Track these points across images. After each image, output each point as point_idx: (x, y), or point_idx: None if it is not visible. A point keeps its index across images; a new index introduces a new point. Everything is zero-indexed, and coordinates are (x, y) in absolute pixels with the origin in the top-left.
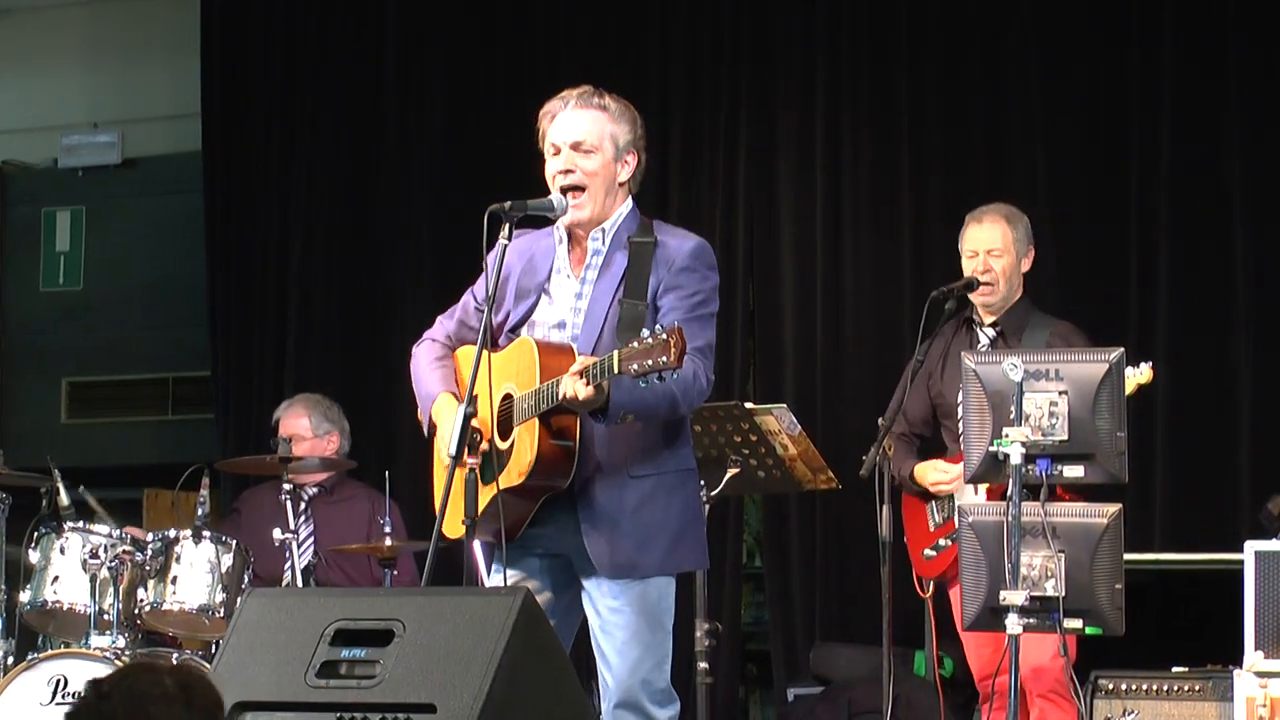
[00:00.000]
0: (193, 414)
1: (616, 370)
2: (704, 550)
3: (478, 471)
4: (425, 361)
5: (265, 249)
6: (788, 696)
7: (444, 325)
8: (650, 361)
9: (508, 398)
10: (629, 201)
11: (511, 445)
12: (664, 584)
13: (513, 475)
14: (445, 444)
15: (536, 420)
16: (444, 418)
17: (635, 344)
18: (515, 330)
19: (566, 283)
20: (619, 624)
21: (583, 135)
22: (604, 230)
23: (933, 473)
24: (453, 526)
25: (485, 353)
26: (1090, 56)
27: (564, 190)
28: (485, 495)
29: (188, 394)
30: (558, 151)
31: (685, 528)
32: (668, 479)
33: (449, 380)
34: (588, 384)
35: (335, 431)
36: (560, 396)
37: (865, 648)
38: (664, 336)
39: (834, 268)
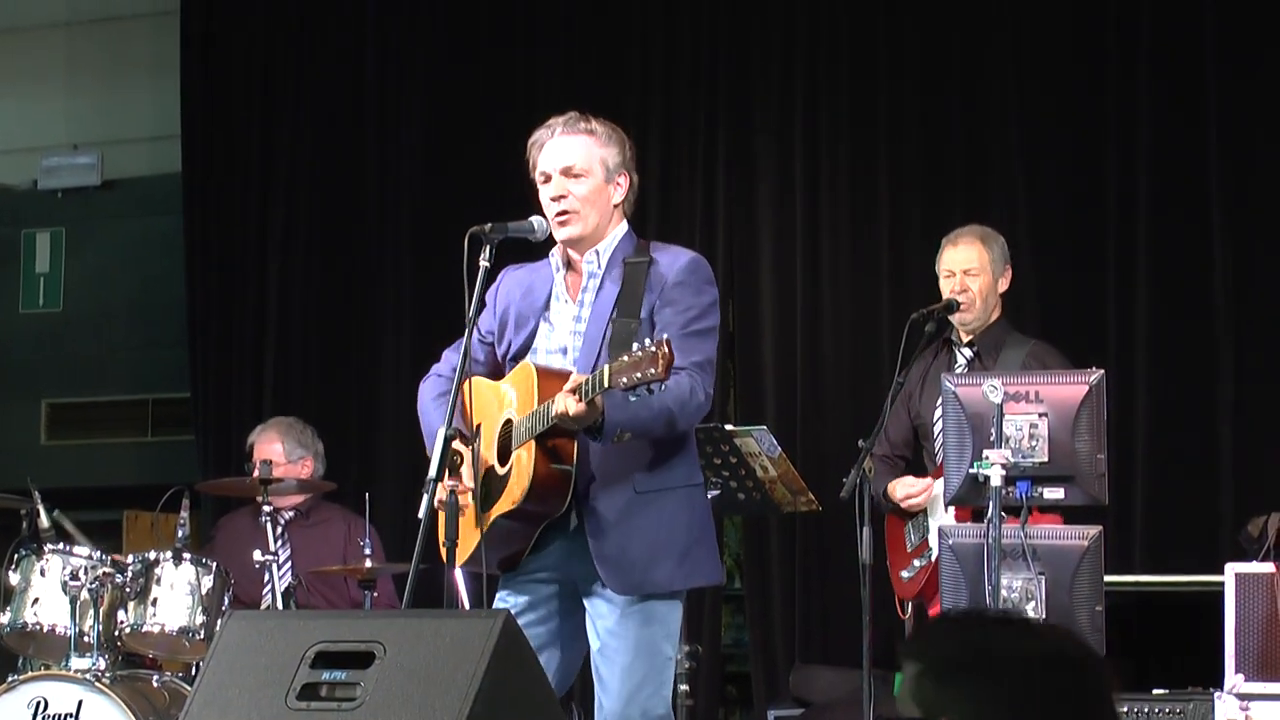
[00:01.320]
0: (172, 435)
1: (606, 384)
2: (716, 564)
3: (458, 495)
4: (428, 399)
5: (245, 270)
6: (768, 718)
7: (449, 359)
8: (639, 374)
9: (508, 423)
10: (624, 224)
11: (510, 470)
12: (668, 607)
13: (509, 500)
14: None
15: (534, 443)
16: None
17: (624, 357)
18: (517, 359)
19: (565, 308)
20: (620, 648)
21: (572, 160)
22: (598, 253)
23: (900, 488)
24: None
25: (468, 380)
26: (1069, 77)
27: (559, 216)
28: (486, 522)
29: (167, 415)
30: (548, 179)
31: (693, 543)
32: (673, 494)
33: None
34: (579, 400)
35: (309, 456)
36: (554, 415)
37: (845, 669)
38: (651, 349)
39: (813, 289)
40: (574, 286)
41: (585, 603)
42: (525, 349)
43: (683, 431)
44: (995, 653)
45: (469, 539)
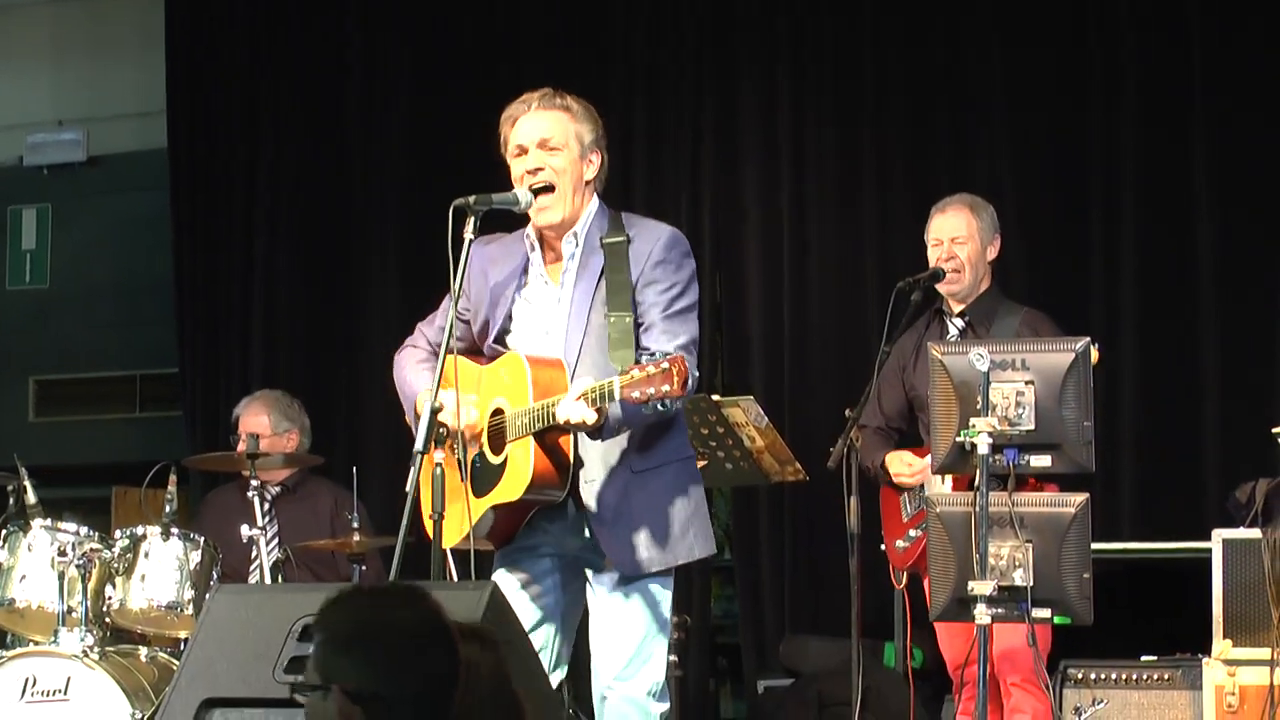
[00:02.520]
0: (161, 411)
1: (617, 397)
2: (710, 537)
3: (444, 468)
4: (408, 366)
5: (231, 246)
6: (758, 688)
7: (424, 332)
8: (652, 389)
9: (499, 412)
10: (595, 199)
11: (505, 461)
12: (664, 580)
13: (509, 491)
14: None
15: (531, 439)
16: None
17: (635, 371)
18: (500, 340)
19: (545, 289)
20: (620, 621)
21: (549, 134)
22: (576, 234)
23: (897, 463)
24: (448, 536)
25: (453, 354)
26: (1053, 44)
27: (534, 191)
28: (479, 508)
29: (155, 392)
30: (523, 152)
31: (690, 518)
32: (669, 469)
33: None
34: (589, 406)
35: (294, 429)
36: (557, 420)
37: (835, 639)
38: (665, 365)
39: (799, 260)
40: (553, 267)
41: (588, 574)
42: (506, 330)
43: (678, 407)
44: (377, 624)
45: (458, 521)
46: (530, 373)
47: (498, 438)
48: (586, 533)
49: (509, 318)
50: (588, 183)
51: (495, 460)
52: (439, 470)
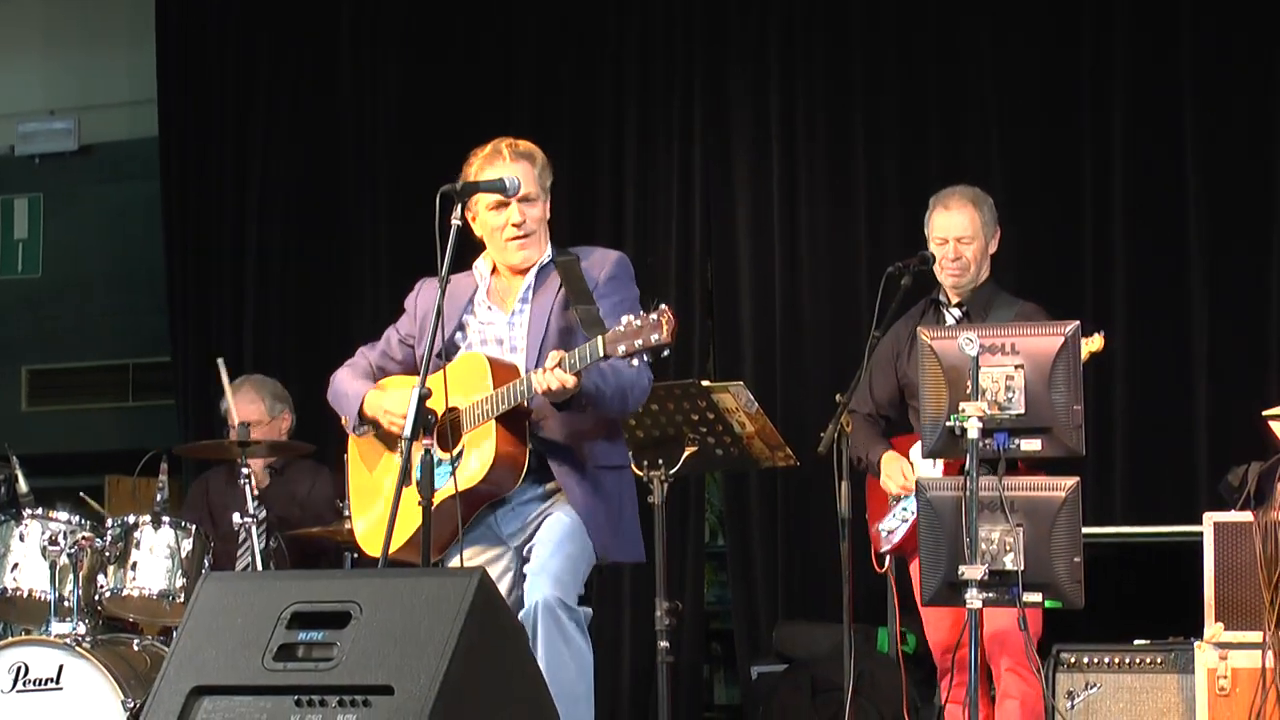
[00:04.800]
0: (153, 400)
1: (602, 354)
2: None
3: (433, 453)
4: (346, 378)
5: (223, 234)
6: (751, 675)
7: (366, 356)
8: (639, 341)
9: (452, 409)
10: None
11: (460, 453)
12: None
13: (468, 479)
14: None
15: (494, 424)
16: (379, 403)
17: (620, 328)
18: (443, 352)
19: (492, 314)
20: (553, 531)
21: (527, 188)
22: (538, 267)
23: (894, 469)
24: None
25: (440, 324)
26: (1044, 34)
27: (518, 240)
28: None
29: (148, 380)
30: (503, 205)
31: (626, 520)
32: (613, 472)
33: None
34: (566, 371)
35: (287, 410)
36: (538, 389)
37: (828, 625)
38: (654, 317)
39: (790, 246)
40: (501, 292)
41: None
42: (454, 347)
43: (632, 411)
44: None
45: (399, 531)
46: (490, 366)
47: (445, 438)
48: (516, 516)
49: (457, 330)
50: (547, 223)
51: (446, 457)
52: (428, 456)
